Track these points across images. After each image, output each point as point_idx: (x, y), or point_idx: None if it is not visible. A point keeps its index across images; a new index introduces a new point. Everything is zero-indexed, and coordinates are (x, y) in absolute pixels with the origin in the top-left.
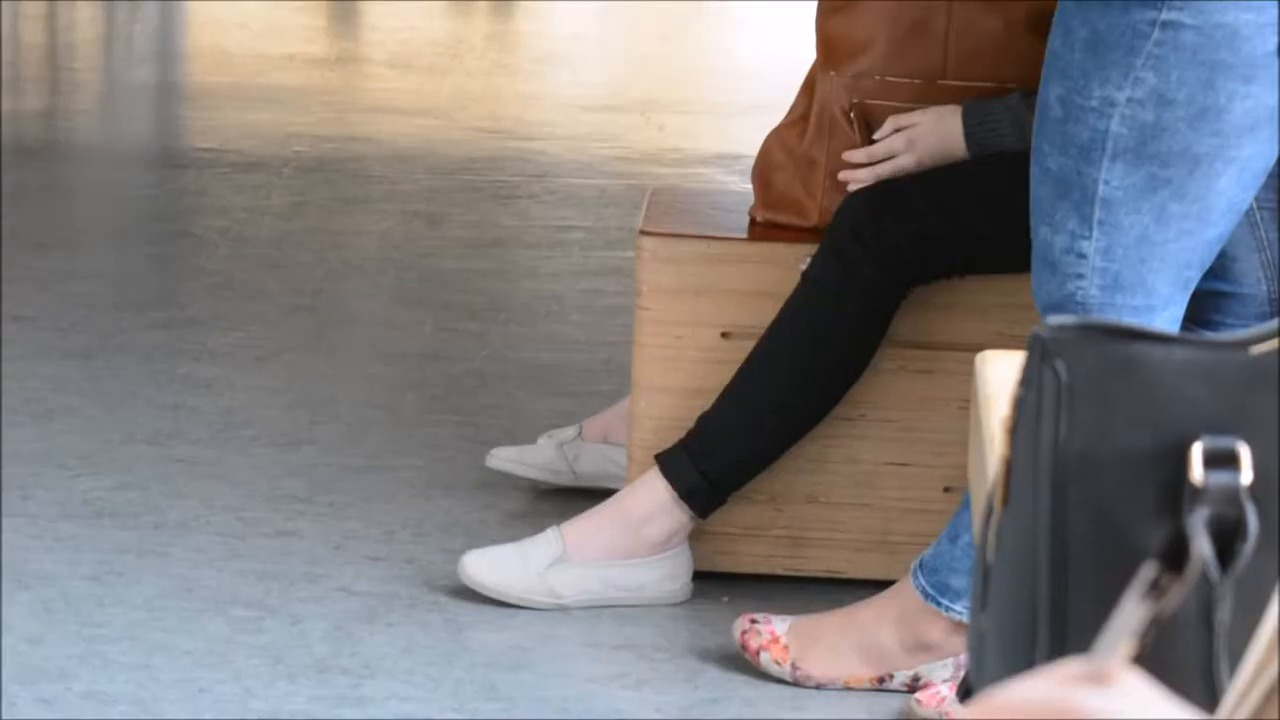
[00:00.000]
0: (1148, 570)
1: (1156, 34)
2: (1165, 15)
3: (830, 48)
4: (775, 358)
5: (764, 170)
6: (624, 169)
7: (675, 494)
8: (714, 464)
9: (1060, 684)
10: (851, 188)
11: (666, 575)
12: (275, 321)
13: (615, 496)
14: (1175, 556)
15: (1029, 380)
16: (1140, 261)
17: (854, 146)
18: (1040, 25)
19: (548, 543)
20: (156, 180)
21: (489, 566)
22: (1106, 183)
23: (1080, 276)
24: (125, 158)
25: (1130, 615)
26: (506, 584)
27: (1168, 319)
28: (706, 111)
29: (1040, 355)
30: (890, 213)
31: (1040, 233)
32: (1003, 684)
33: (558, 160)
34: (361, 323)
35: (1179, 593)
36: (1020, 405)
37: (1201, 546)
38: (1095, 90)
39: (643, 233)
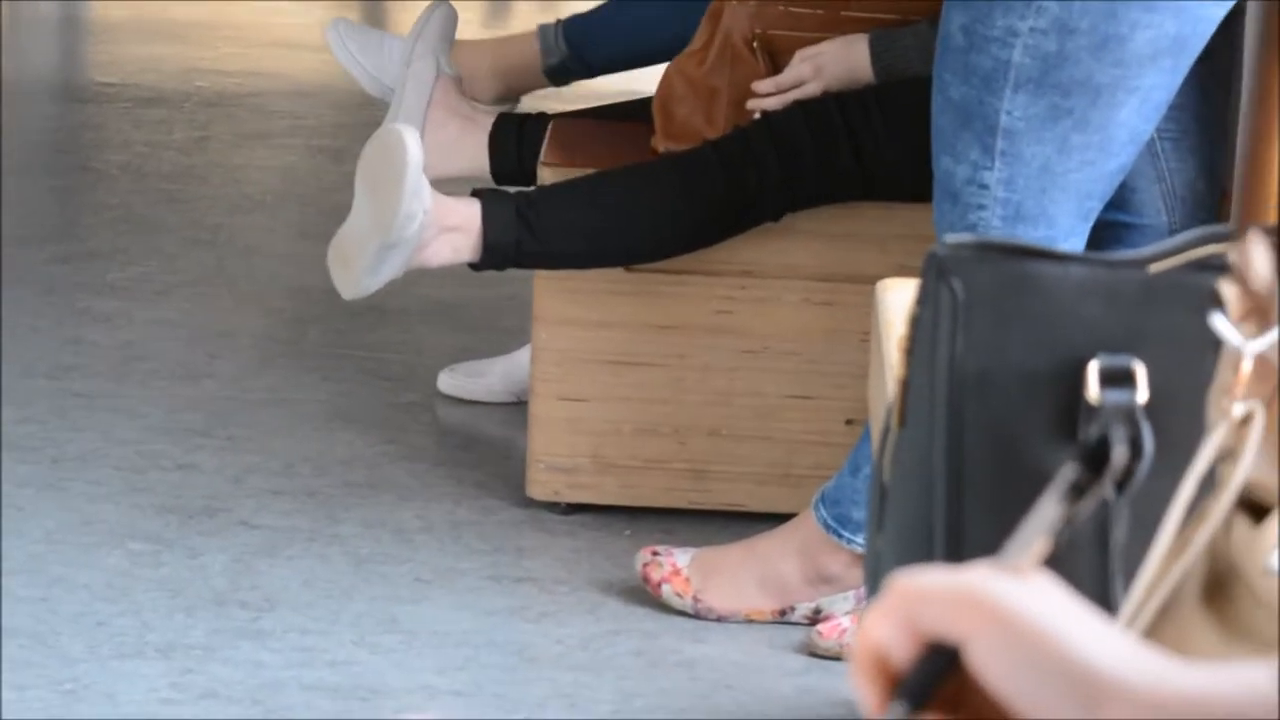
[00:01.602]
0: (1069, 471)
1: None
2: None
3: None
4: (641, 180)
5: (664, 100)
6: (528, 102)
7: (482, 232)
8: (531, 231)
9: (973, 574)
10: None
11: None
12: (175, 255)
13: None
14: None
15: (926, 299)
16: (1042, 192)
17: (757, 76)
18: None
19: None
20: (57, 114)
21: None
22: (1009, 113)
23: (982, 207)
24: (25, 91)
25: (1046, 515)
26: None
27: (1069, 248)
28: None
29: (937, 273)
30: (808, 126)
31: (942, 163)
32: (914, 572)
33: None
34: (262, 257)
35: (1096, 494)
36: (917, 324)
37: (1120, 451)
38: (998, 19)
39: (543, 164)
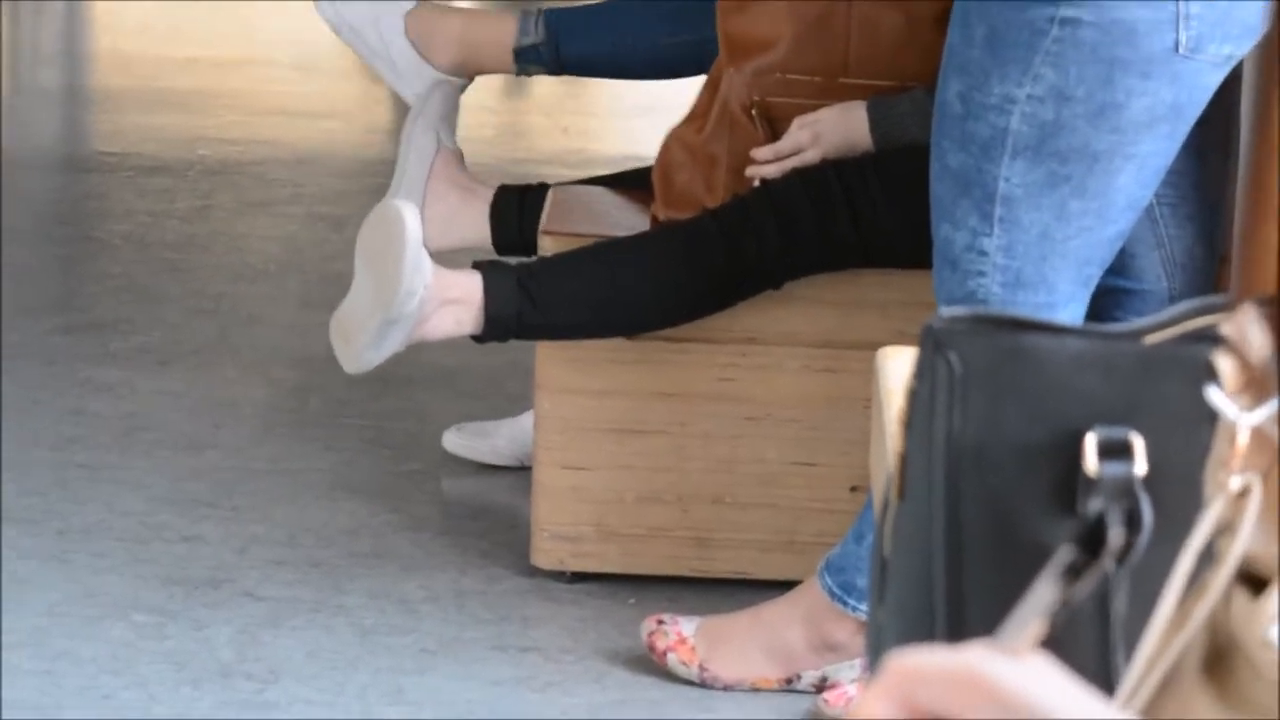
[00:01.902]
0: (1065, 553)
1: (1055, 30)
2: (1063, 12)
3: (733, 46)
4: (642, 250)
5: (664, 168)
6: (529, 170)
7: (483, 304)
8: (533, 302)
9: (970, 654)
10: (758, 183)
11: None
12: (178, 325)
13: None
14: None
15: (922, 372)
16: (1041, 259)
17: (756, 143)
18: (942, 22)
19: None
20: (59, 184)
21: None
22: (1007, 180)
23: (981, 274)
24: (28, 161)
25: (1042, 596)
26: None
27: (1069, 316)
28: (608, 113)
29: (933, 347)
30: (807, 194)
31: (941, 230)
32: (909, 651)
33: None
34: (265, 326)
35: (1093, 576)
36: (914, 398)
37: (1118, 532)
38: (995, 87)
39: (544, 233)
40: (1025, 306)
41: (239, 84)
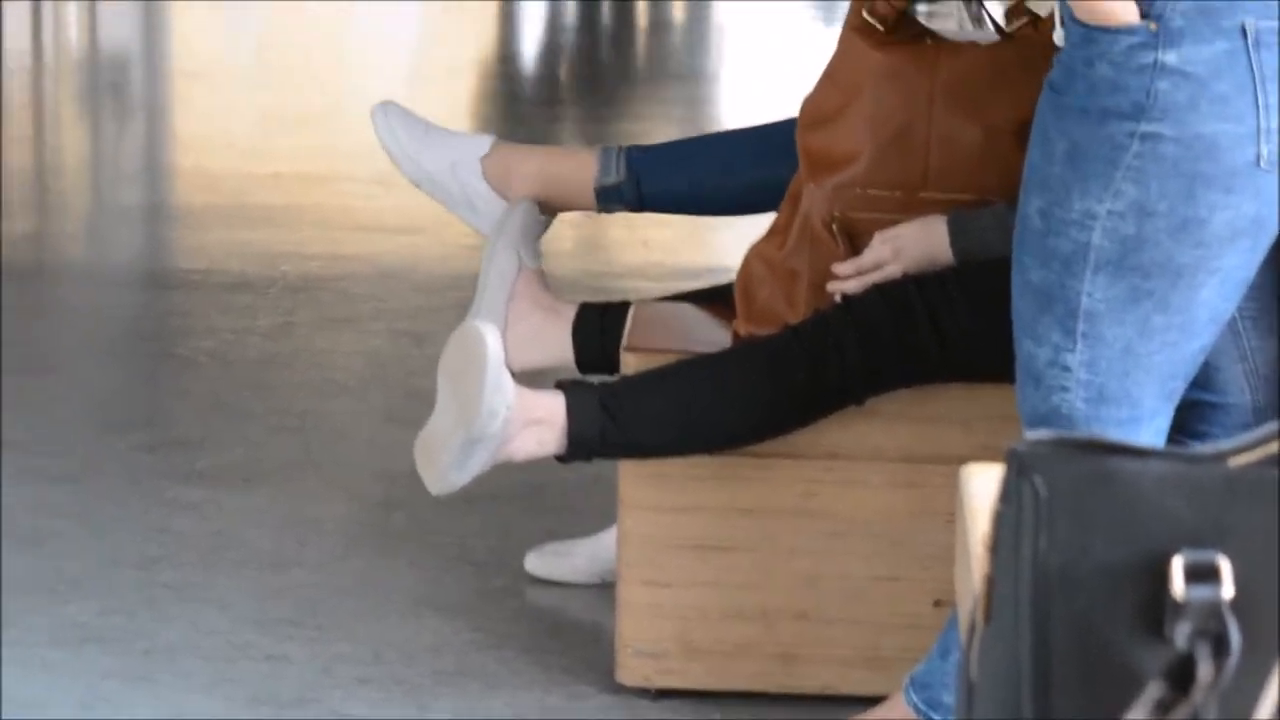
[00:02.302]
0: (1154, 690)
1: (1136, 146)
2: (1144, 128)
3: (813, 161)
4: (724, 368)
5: (745, 284)
6: (609, 284)
7: (566, 425)
8: (615, 422)
9: None
10: (839, 298)
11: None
12: (262, 442)
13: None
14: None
15: (1008, 496)
16: (1124, 374)
17: (836, 258)
18: (1021, 136)
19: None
20: (143, 301)
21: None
22: (1089, 295)
23: (1065, 389)
24: (112, 279)
25: None
26: None
27: (1153, 430)
28: (689, 226)
29: (1018, 470)
30: (888, 309)
31: (1024, 345)
32: None
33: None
34: (348, 442)
35: (1183, 712)
36: (1000, 521)
37: (1207, 667)
38: (1076, 203)
39: (626, 349)
40: (1109, 422)
41: (321, 199)
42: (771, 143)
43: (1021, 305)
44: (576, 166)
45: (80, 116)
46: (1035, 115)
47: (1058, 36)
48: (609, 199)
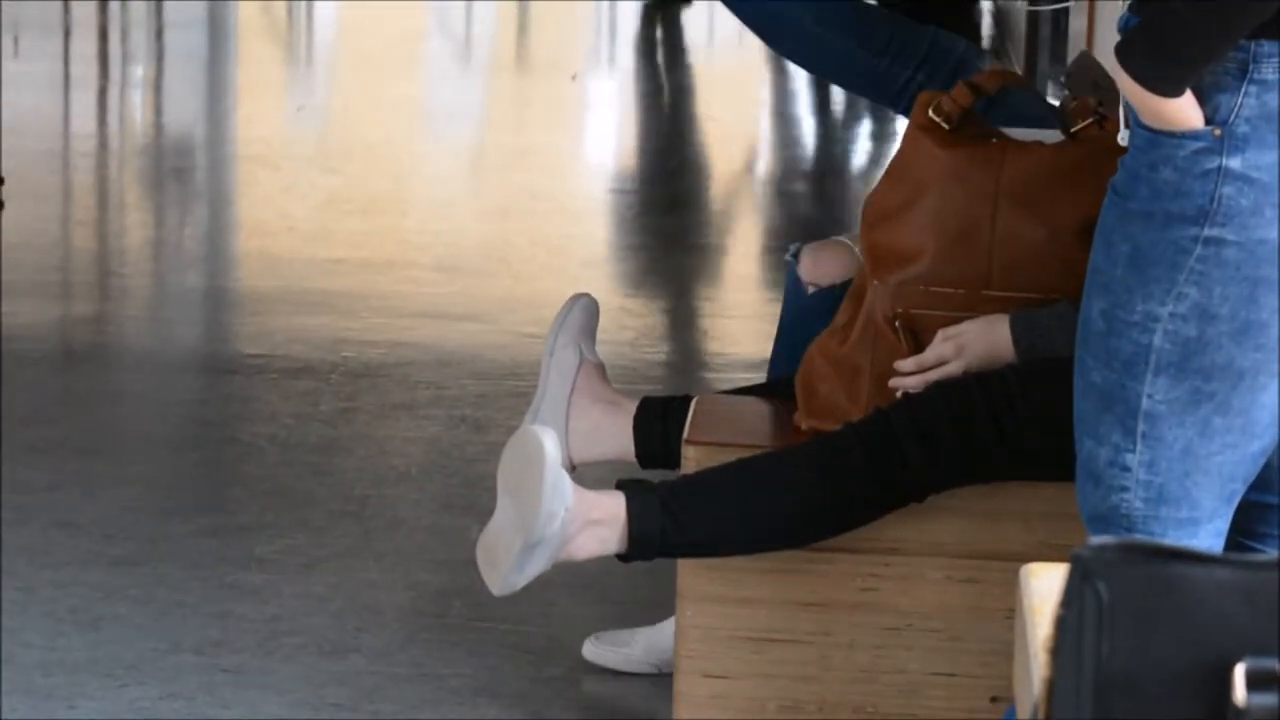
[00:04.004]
0: None
1: (1199, 250)
2: (1208, 232)
3: (877, 258)
4: (785, 467)
5: (807, 378)
6: (669, 375)
7: (627, 525)
8: (676, 522)
9: None
10: (901, 395)
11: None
12: (322, 528)
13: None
14: None
15: (1070, 600)
16: (1184, 475)
17: (899, 355)
18: (1084, 235)
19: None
20: (205, 386)
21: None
22: (1150, 396)
23: (1124, 489)
24: (174, 364)
25: None
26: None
27: (1212, 531)
28: (752, 315)
29: (1081, 575)
30: (950, 408)
31: (1085, 445)
32: None
33: (605, 366)
34: (407, 529)
35: None
36: (1062, 625)
37: None
38: (1138, 305)
39: (687, 442)
40: (1168, 522)
41: (383, 285)
42: (873, 28)
43: (1083, 405)
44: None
45: (144, 200)
46: (1099, 217)
47: (1123, 138)
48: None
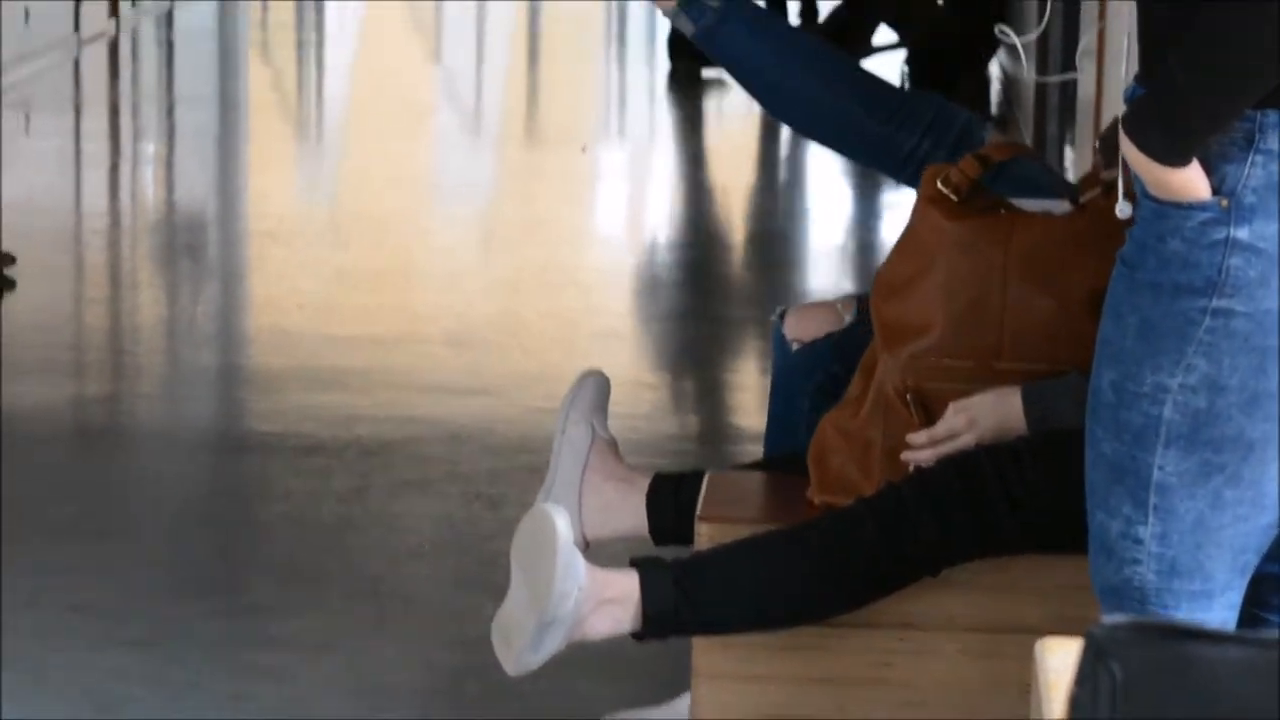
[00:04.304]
0: None
1: (1208, 321)
2: (1216, 303)
3: (888, 331)
4: (798, 544)
5: (819, 452)
6: (684, 447)
7: (641, 603)
8: (690, 600)
9: None
10: (913, 469)
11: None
12: (337, 607)
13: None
14: None
15: (1084, 679)
16: (1196, 547)
17: (910, 427)
18: (1094, 307)
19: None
20: (218, 465)
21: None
22: (1161, 468)
23: (1137, 562)
24: (187, 442)
25: None
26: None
27: (1225, 603)
28: (764, 389)
29: (1095, 654)
30: (962, 481)
31: (1096, 517)
32: None
33: (617, 439)
34: (422, 607)
35: None
36: (1075, 704)
37: None
38: (1148, 376)
39: (700, 519)
40: (1181, 595)
41: (394, 361)
42: (878, 96)
43: (1094, 477)
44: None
45: (156, 278)
46: (1108, 288)
47: (1120, 210)
48: (689, 9)
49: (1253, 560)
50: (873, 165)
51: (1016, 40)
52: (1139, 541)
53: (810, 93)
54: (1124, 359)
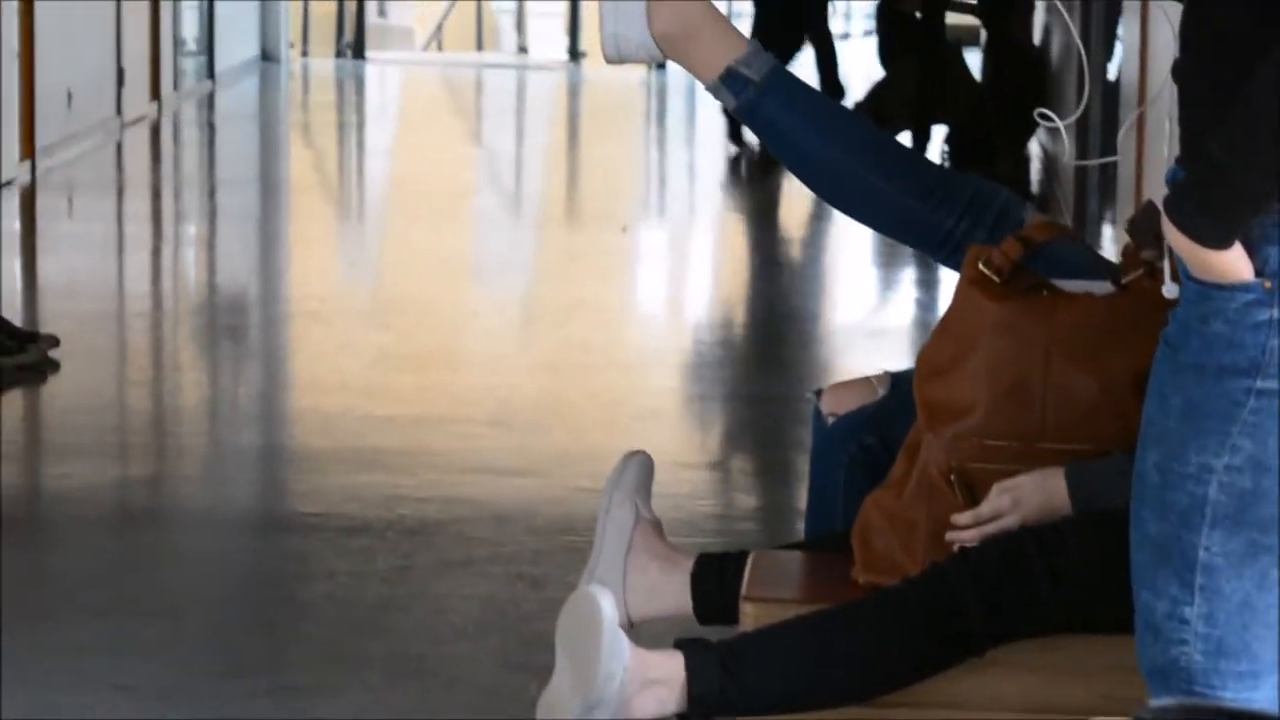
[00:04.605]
0: None
1: (1252, 402)
2: (1260, 384)
3: (931, 412)
4: (842, 626)
5: (863, 533)
6: (727, 525)
7: (686, 685)
8: (735, 681)
9: None
10: (957, 549)
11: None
12: (380, 688)
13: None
14: None
15: None
16: (1244, 627)
17: (953, 508)
18: (1138, 385)
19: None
20: (261, 545)
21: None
22: (1207, 549)
23: (1183, 642)
24: (230, 523)
25: None
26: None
27: (1272, 684)
28: (800, 467)
29: None
30: (1006, 562)
31: (1142, 597)
32: None
33: (660, 520)
34: (465, 688)
35: None
36: None
37: None
38: (1192, 457)
39: (744, 599)
40: (1228, 675)
41: (436, 441)
42: (917, 173)
43: (1140, 557)
44: (725, 39)
45: (198, 359)
46: (1152, 369)
47: (1168, 290)
48: (730, 84)
49: None
50: (909, 242)
51: (1059, 123)
52: (1185, 622)
53: (848, 168)
54: (1168, 440)
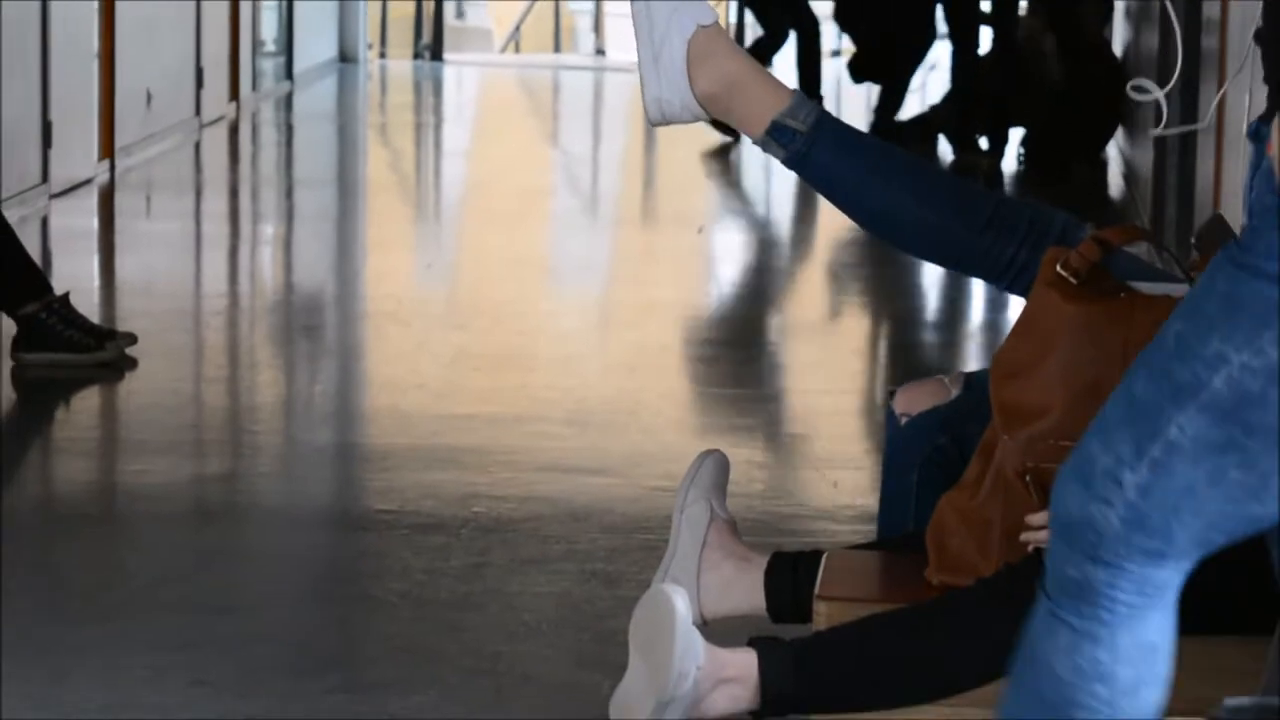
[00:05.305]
0: None
1: None
2: None
3: (1007, 413)
4: (917, 624)
5: (937, 534)
6: (799, 525)
7: (759, 683)
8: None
9: None
10: (1031, 549)
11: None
12: (455, 685)
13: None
14: None
15: None
16: (1174, 510)
17: (1029, 509)
18: None
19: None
20: (336, 542)
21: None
22: (1180, 428)
23: (1108, 503)
24: (305, 520)
25: None
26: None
27: (1177, 569)
28: (874, 467)
29: None
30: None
31: (1090, 444)
32: None
33: (735, 518)
34: (539, 685)
35: None
36: None
37: None
38: (1214, 342)
39: (818, 598)
40: (1136, 549)
41: (511, 440)
42: (973, 205)
43: (1110, 408)
44: (767, 93)
45: (275, 358)
46: (1211, 260)
47: None
48: (777, 136)
49: (1218, 541)
50: (972, 274)
51: (1157, 92)
52: (1120, 485)
53: (903, 209)
54: (1198, 318)
